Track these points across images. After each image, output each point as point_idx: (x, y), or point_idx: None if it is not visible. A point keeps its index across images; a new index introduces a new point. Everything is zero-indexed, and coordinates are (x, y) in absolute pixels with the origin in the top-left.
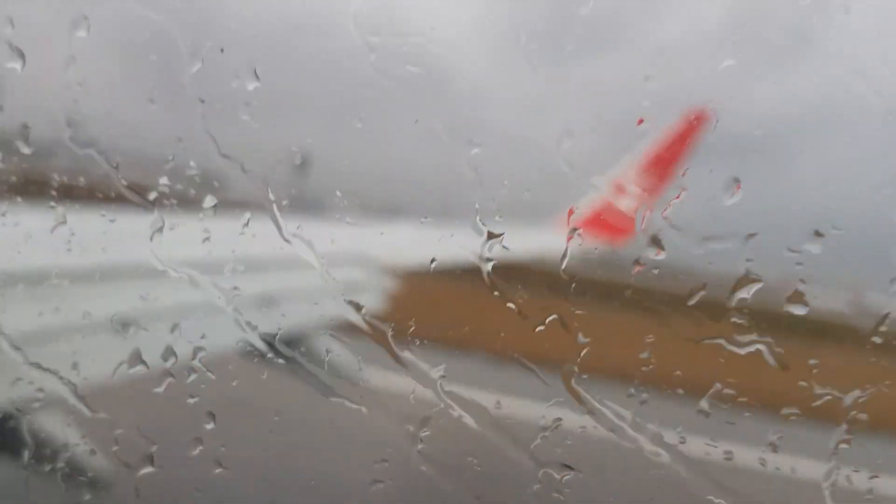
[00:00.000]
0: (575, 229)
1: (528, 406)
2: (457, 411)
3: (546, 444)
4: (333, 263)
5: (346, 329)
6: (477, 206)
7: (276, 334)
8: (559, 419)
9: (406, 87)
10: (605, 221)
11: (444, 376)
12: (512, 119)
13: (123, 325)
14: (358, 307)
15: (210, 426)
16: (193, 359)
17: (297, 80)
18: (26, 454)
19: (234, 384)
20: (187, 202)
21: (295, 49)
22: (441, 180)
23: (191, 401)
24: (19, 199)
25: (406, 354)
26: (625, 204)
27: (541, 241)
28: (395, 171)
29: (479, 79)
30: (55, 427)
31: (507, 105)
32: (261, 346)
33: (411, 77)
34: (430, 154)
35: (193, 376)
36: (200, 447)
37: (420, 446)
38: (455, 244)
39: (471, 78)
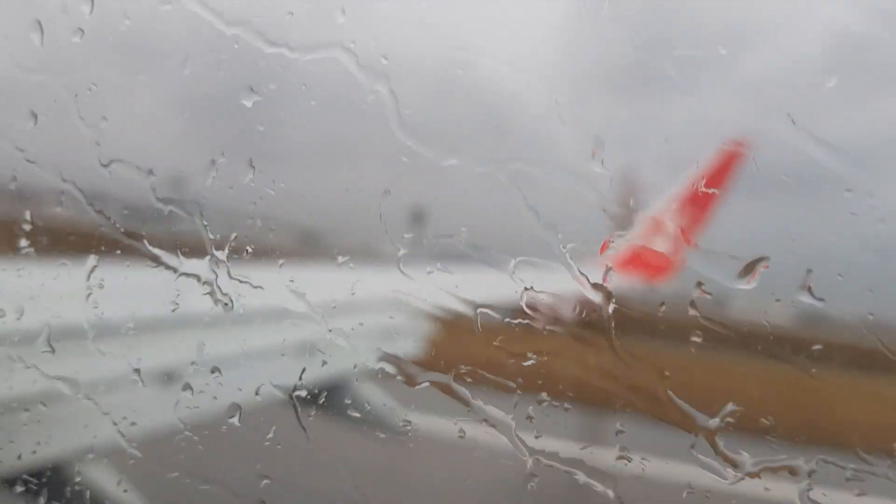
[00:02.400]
0: (609, 268)
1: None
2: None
3: None
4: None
5: None
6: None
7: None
8: None
9: (470, 124)
10: (643, 259)
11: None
12: (573, 156)
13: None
14: None
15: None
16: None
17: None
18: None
19: None
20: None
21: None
22: (498, 221)
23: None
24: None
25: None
26: (663, 240)
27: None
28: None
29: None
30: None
31: (572, 142)
32: None
33: (476, 114)
34: (488, 195)
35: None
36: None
37: None
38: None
39: (537, 116)
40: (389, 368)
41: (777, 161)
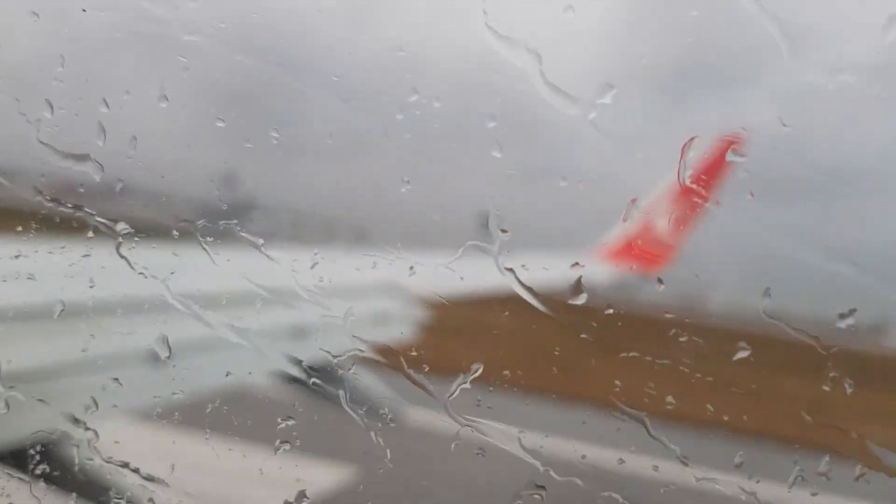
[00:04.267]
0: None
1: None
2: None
3: None
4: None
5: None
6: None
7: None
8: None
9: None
10: (638, 249)
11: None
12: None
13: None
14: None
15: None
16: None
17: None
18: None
19: None
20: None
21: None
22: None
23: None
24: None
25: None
26: (658, 231)
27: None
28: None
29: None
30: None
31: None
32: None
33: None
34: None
35: None
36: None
37: None
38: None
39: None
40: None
41: (814, 161)
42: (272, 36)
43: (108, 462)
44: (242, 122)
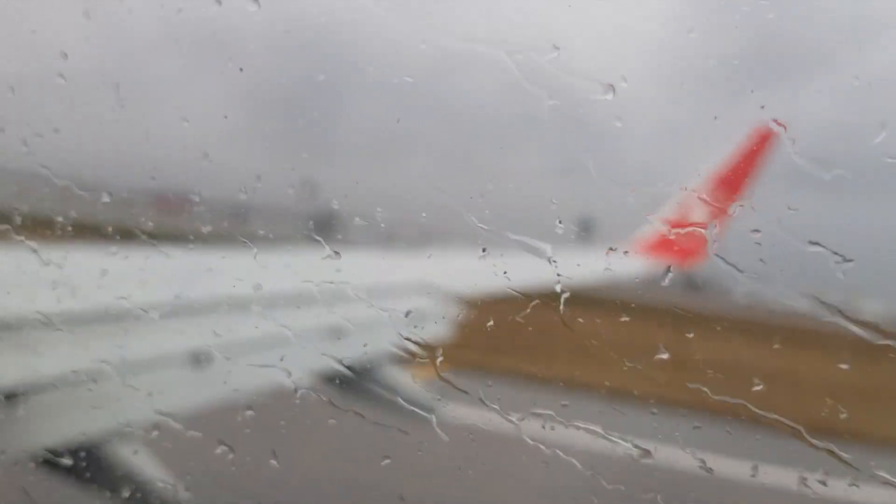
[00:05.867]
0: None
1: None
2: None
3: None
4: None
5: None
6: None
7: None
8: None
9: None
10: (673, 243)
11: None
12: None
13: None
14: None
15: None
16: None
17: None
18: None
19: None
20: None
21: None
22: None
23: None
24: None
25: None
26: (692, 225)
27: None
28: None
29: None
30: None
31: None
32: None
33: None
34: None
35: None
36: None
37: None
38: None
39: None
40: None
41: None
42: (295, 33)
43: None
44: (266, 108)
